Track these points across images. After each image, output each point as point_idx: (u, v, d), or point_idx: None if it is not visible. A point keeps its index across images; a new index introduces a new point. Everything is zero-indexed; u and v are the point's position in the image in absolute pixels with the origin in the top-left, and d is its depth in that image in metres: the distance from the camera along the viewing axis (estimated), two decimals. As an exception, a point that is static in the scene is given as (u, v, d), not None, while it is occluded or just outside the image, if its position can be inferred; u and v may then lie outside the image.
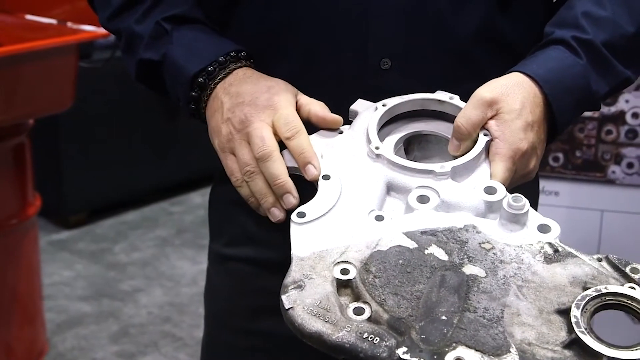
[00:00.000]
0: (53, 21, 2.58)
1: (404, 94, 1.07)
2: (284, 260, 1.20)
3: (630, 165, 2.24)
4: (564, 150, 2.26)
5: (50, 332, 3.03)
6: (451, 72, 1.12)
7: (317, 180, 0.99)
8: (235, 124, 1.04)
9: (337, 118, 1.05)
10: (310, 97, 1.10)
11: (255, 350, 1.28)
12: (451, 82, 1.10)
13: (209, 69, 1.09)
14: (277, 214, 1.01)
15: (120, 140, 3.83)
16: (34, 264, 2.58)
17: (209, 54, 1.11)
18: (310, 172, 1.00)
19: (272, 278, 1.24)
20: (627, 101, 2.21)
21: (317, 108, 1.05)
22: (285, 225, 1.03)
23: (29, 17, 2.64)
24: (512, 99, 1.02)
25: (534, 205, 1.31)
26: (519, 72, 1.06)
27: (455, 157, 1.02)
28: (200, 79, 1.09)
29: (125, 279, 3.48)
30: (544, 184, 2.27)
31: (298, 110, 1.05)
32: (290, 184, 1.00)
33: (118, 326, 3.16)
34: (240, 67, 1.11)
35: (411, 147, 1.08)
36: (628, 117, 2.21)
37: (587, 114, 2.21)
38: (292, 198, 1.00)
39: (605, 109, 2.22)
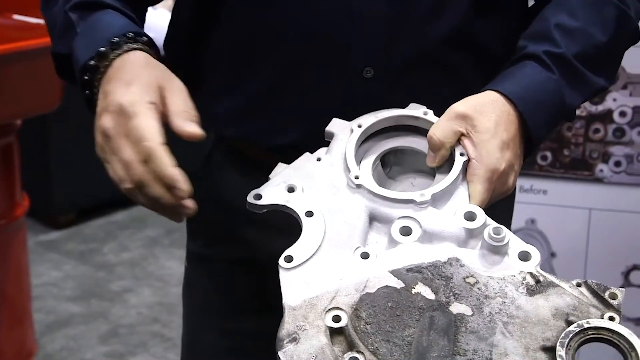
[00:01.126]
0: (41, 21, 2.57)
1: (386, 101, 1.07)
2: (262, 260, 1.21)
3: (617, 164, 2.25)
4: (552, 149, 2.27)
5: (39, 333, 3.02)
6: (432, 79, 1.13)
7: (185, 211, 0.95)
8: (101, 134, 0.97)
9: (197, 133, 0.95)
10: (292, 105, 1.10)
11: (236, 350, 1.29)
12: (432, 90, 1.11)
13: (101, 49, 1.01)
14: (176, 221, 0.98)
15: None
16: (23, 265, 2.57)
17: (103, 38, 1.02)
18: (179, 195, 0.93)
19: (251, 277, 1.25)
20: (614, 100, 2.22)
21: (177, 120, 0.96)
22: (264, 223, 1.03)
23: (16, 17, 2.62)
24: (485, 117, 1.02)
25: (509, 211, 1.31)
26: (492, 90, 1.06)
27: (433, 169, 1.03)
28: (92, 62, 1.01)
29: (114, 279, 3.47)
30: (532, 183, 2.28)
31: (163, 112, 0.96)
32: (174, 201, 0.93)
33: (107, 327, 3.16)
34: (132, 49, 1.01)
35: (387, 159, 1.08)
36: (615, 116, 2.22)
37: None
38: (186, 210, 0.94)
39: (592, 108, 2.23)
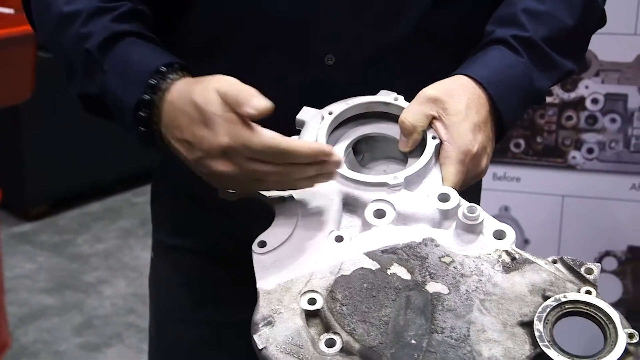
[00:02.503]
0: (10, 11, 2.55)
1: (348, 88, 1.07)
2: (229, 250, 1.20)
3: (590, 151, 2.26)
4: (525, 136, 2.28)
5: (13, 326, 3.00)
6: (396, 67, 1.13)
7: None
8: (223, 178, 0.95)
9: (268, 106, 0.93)
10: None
11: (205, 342, 1.28)
12: (396, 78, 1.11)
13: (145, 97, 0.98)
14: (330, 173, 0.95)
15: (82, 131, 3.79)
16: (-5, 257, 2.56)
17: (143, 76, 0.99)
18: (328, 169, 0.95)
19: (218, 268, 1.25)
20: (586, 87, 2.23)
21: (249, 110, 0.94)
22: (232, 215, 1.03)
23: (-15, 7, 2.60)
24: (456, 99, 1.02)
25: (477, 195, 1.32)
26: (461, 74, 1.06)
27: (405, 154, 1.03)
28: (142, 113, 0.99)
29: (88, 271, 3.46)
30: (505, 170, 2.29)
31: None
32: (321, 166, 0.94)
33: (82, 318, 3.14)
34: (174, 81, 1.00)
35: (359, 147, 1.08)
36: (588, 103, 2.23)
37: (547, 100, 2.23)
38: (333, 165, 0.94)
39: (565, 95, 2.24)
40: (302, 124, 1.05)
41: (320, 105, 1.06)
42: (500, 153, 2.25)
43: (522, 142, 2.28)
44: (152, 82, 0.99)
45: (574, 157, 2.27)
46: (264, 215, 0.98)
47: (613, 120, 2.24)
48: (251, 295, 1.10)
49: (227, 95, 0.93)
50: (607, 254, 2.29)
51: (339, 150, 1.04)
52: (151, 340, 1.37)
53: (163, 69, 1.00)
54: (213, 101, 0.94)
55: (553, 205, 2.29)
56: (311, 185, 0.96)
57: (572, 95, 2.24)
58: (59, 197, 3.89)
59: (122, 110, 1.01)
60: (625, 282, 2.28)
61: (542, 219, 2.30)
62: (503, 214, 2.32)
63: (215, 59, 1.13)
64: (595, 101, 2.23)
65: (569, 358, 0.82)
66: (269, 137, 0.92)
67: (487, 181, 2.28)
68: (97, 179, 3.97)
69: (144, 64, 1.01)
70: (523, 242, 2.32)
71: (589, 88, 2.23)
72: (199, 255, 1.26)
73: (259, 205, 0.99)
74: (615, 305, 2.26)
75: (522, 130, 2.27)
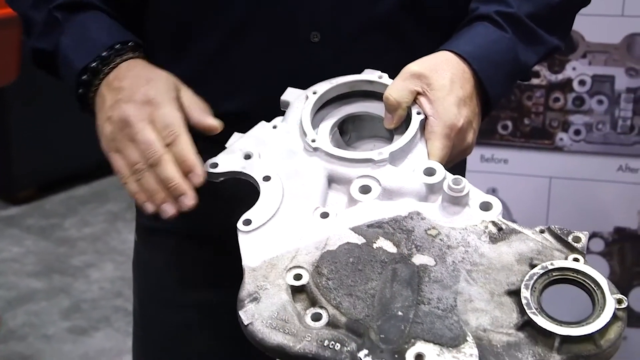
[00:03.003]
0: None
1: (334, 66, 1.07)
2: (212, 232, 1.19)
3: (577, 132, 2.26)
4: (513, 118, 2.28)
5: (0, 309, 3.00)
6: (381, 44, 1.12)
7: (208, 182, 0.99)
8: (116, 123, 1.01)
9: (215, 125, 1.02)
10: (239, 70, 1.09)
11: (189, 325, 1.28)
12: (382, 55, 1.11)
13: (92, 65, 1.07)
14: (168, 210, 0.97)
15: (69, 114, 3.77)
16: (-18, 242, 2.55)
17: (95, 47, 1.08)
18: (194, 180, 0.98)
19: (201, 250, 1.24)
20: (574, 69, 2.23)
21: (196, 114, 1.03)
22: (213, 195, 1.02)
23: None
24: (441, 75, 1.02)
25: (461, 172, 1.32)
26: (445, 50, 1.06)
27: (391, 132, 1.03)
28: (85, 77, 1.07)
29: (75, 254, 3.45)
30: (493, 152, 2.29)
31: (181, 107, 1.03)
32: (184, 185, 0.97)
33: (69, 302, 3.14)
34: (126, 59, 1.08)
35: (345, 127, 1.07)
36: (575, 85, 2.24)
37: (534, 81, 2.23)
38: (189, 199, 0.97)
39: (552, 77, 2.24)
40: (287, 104, 1.05)
41: (306, 85, 1.06)
42: (488, 135, 2.25)
43: (509, 123, 2.28)
44: (104, 55, 1.07)
45: (561, 139, 2.27)
46: (247, 196, 0.98)
47: (600, 102, 2.24)
48: (236, 277, 1.10)
49: (184, 92, 1.04)
50: (594, 235, 2.30)
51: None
52: (135, 323, 1.37)
53: (118, 46, 1.08)
54: (164, 78, 1.04)
55: (540, 187, 2.29)
56: (150, 201, 0.98)
57: (560, 76, 2.24)
58: (46, 180, 3.88)
59: (68, 71, 1.09)
60: (612, 263, 2.29)
61: (530, 201, 2.31)
62: (491, 196, 2.32)
63: (199, 36, 1.12)
64: (582, 83, 2.23)
65: (557, 324, 0.82)
66: (178, 119, 1.00)
67: (474, 163, 2.28)
68: (85, 162, 3.95)
69: (101, 37, 1.09)
70: (510, 223, 2.32)
71: (576, 70, 2.23)
72: (181, 237, 1.25)
73: (243, 187, 0.99)
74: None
75: (509, 112, 2.27)
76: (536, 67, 2.24)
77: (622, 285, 2.28)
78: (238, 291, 0.88)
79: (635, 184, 2.25)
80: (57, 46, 1.10)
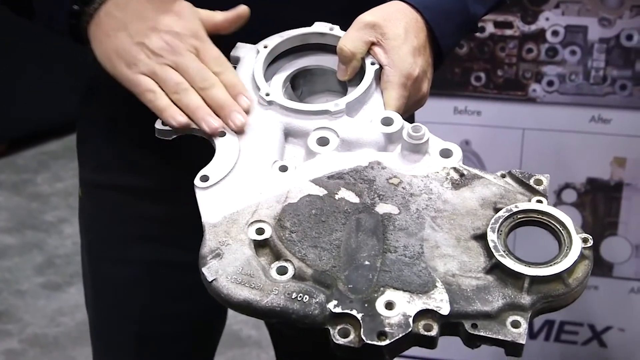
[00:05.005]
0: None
1: (279, 16, 1.05)
2: (156, 187, 1.18)
3: (550, 84, 2.26)
4: (486, 69, 2.27)
5: (-27, 266, 2.99)
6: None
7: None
8: (154, 49, 0.99)
9: (243, 8, 1.03)
10: None
11: (136, 280, 1.27)
12: (327, 5, 1.09)
13: None
14: (213, 122, 0.96)
15: (40, 68, 3.73)
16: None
17: None
18: (243, 103, 0.98)
19: (145, 205, 1.23)
20: (547, 19, 2.22)
21: (220, 16, 1.03)
22: (161, 150, 1.01)
23: None
24: (394, 24, 1.01)
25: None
26: (397, 0, 1.05)
27: (344, 85, 1.02)
28: (75, 6, 1.02)
29: (48, 210, 3.43)
30: (466, 104, 2.29)
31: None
32: (237, 105, 0.97)
33: (43, 257, 3.13)
34: None
35: (297, 82, 1.06)
36: (548, 35, 2.23)
37: (507, 32, 2.22)
38: (240, 118, 0.97)
39: (525, 28, 2.23)
40: (237, 60, 1.04)
41: (256, 39, 1.05)
42: (461, 86, 2.25)
43: (482, 75, 2.27)
44: None
45: (534, 90, 2.27)
46: (198, 153, 0.97)
47: (573, 53, 2.23)
48: (183, 233, 1.08)
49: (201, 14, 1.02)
50: (567, 186, 2.31)
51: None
52: (85, 279, 1.36)
53: None
54: (190, 9, 1.02)
55: (514, 139, 2.30)
56: (204, 125, 0.96)
57: (533, 27, 2.23)
58: (17, 136, 3.83)
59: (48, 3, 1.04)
60: (584, 214, 2.30)
61: (503, 153, 2.31)
62: (464, 148, 2.31)
63: None
64: (555, 33, 2.23)
65: (525, 265, 0.82)
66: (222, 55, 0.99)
67: (447, 115, 2.28)
68: (56, 117, 3.90)
69: None
70: (484, 175, 2.33)
71: (549, 20, 2.22)
72: (126, 192, 1.23)
73: (194, 143, 0.98)
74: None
75: (482, 64, 2.26)
76: (509, 18, 2.23)
77: (594, 235, 2.29)
78: (185, 248, 0.86)
79: (608, 134, 2.25)
80: None
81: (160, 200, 1.21)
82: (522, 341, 0.79)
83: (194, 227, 0.90)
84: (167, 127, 0.97)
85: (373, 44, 1.01)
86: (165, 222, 1.22)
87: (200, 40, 1.00)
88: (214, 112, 0.97)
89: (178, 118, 0.96)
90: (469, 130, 2.31)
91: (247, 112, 0.98)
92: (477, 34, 2.22)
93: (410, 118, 1.24)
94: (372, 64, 1.01)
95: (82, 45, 1.05)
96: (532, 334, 2.26)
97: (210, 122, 0.96)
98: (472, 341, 0.81)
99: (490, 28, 2.24)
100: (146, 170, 1.20)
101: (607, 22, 2.21)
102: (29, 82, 3.73)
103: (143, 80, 0.99)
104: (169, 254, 1.24)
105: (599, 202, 2.31)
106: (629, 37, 2.21)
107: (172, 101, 0.98)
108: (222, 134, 0.96)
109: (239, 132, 0.96)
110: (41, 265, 3.08)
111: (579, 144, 2.26)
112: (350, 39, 1.00)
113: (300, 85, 1.06)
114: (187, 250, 0.96)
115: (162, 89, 0.98)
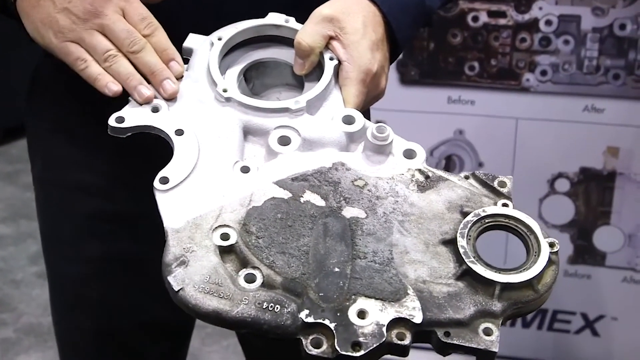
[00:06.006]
0: None
1: (229, 7, 1.03)
2: (107, 184, 1.18)
3: (543, 73, 2.26)
4: (480, 59, 2.27)
5: (-32, 255, 2.98)
6: None
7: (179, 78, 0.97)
8: (78, 14, 0.97)
9: None
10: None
11: (87, 277, 1.26)
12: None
13: None
14: (145, 92, 0.95)
15: (32, 58, 3.71)
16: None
17: None
18: (175, 69, 0.97)
19: (95, 202, 1.21)
20: (540, 8, 2.22)
21: None
22: (107, 148, 0.99)
23: None
24: (353, 18, 0.99)
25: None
26: None
27: (299, 79, 1.00)
28: None
29: (42, 200, 3.42)
30: (460, 93, 2.29)
31: None
32: (168, 70, 0.96)
33: (37, 247, 3.12)
34: None
35: (249, 75, 1.03)
36: (542, 25, 2.23)
37: (501, 22, 2.22)
38: (171, 85, 0.96)
39: (519, 17, 2.23)
40: (190, 51, 1.01)
41: (204, 31, 1.02)
42: (455, 76, 2.25)
43: (476, 64, 2.27)
44: None
45: (527, 80, 2.27)
46: (152, 151, 0.95)
47: (566, 42, 2.23)
48: (130, 230, 1.07)
49: None
50: (560, 175, 2.31)
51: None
52: (47, 274, 1.35)
53: None
54: None
55: (507, 128, 2.30)
56: (136, 93, 0.95)
57: (526, 16, 2.23)
58: (11, 125, 3.83)
59: None
60: (577, 203, 2.31)
61: (497, 142, 2.31)
62: (458, 138, 2.32)
63: None
64: (549, 23, 2.23)
65: (495, 272, 0.81)
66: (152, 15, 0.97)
67: (441, 104, 2.28)
68: (50, 106, 3.90)
69: None
70: (477, 165, 2.33)
71: (543, 9, 2.22)
72: (72, 189, 1.22)
73: (148, 138, 0.95)
74: (567, 226, 2.30)
75: (476, 53, 2.26)
76: (502, 7, 2.23)
77: (587, 224, 2.30)
78: (133, 244, 0.83)
79: (601, 124, 2.25)
80: None
81: (112, 197, 1.20)
82: (495, 349, 0.78)
83: (147, 223, 0.89)
84: (121, 125, 0.94)
85: (331, 38, 0.99)
86: (116, 219, 1.21)
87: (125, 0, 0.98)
88: (145, 78, 0.96)
89: (112, 87, 0.95)
90: (462, 120, 2.31)
91: (178, 78, 0.96)
92: (471, 24, 2.22)
93: (365, 113, 1.24)
94: (331, 59, 0.98)
95: (18, 23, 1.03)
96: (524, 323, 2.26)
97: (141, 91, 0.95)
98: (445, 349, 0.80)
99: (483, 17, 2.24)
100: (97, 166, 1.19)
101: (600, 11, 2.20)
102: (22, 72, 3.71)
103: (72, 49, 0.97)
104: (121, 249, 1.22)
105: (592, 192, 2.31)
106: (622, 27, 2.20)
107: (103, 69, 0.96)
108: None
109: (170, 99, 0.95)
110: (35, 255, 3.08)
111: (572, 133, 2.26)
112: (309, 33, 0.98)
113: (253, 78, 1.03)
114: (140, 244, 0.94)
115: (92, 56, 0.96)
